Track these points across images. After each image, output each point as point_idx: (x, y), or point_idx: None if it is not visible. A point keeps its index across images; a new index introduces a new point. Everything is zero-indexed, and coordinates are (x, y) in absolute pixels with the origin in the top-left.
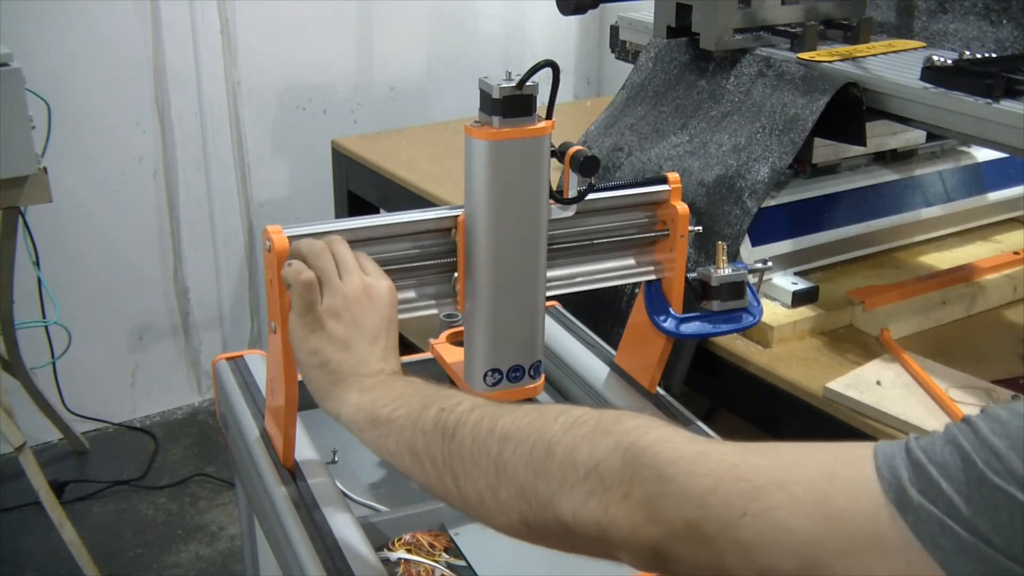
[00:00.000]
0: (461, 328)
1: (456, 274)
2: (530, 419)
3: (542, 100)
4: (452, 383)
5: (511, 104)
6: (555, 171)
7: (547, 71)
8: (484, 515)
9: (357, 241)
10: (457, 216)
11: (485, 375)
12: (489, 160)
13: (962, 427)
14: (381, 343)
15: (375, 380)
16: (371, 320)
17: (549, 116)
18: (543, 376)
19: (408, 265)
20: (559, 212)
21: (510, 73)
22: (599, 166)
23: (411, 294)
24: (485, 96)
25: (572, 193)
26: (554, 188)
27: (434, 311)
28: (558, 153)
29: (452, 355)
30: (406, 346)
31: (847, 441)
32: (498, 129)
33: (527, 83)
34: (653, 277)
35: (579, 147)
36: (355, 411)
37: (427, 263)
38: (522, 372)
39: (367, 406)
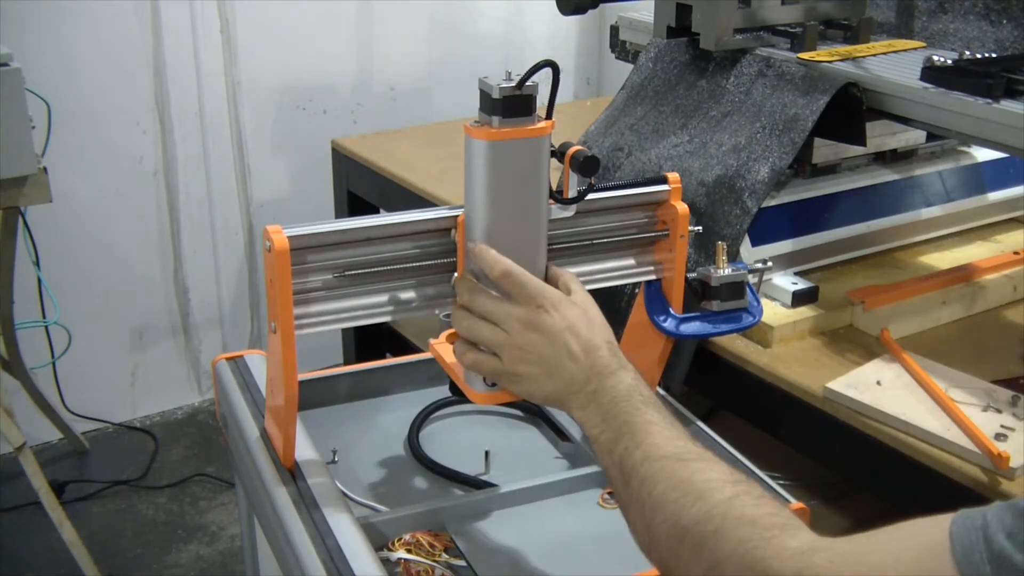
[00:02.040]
0: None
1: (456, 274)
2: (676, 494)
3: (542, 100)
4: (452, 383)
5: (511, 104)
6: (555, 171)
7: (546, 71)
8: (644, 553)
9: (357, 241)
10: (457, 216)
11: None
12: (489, 160)
13: None
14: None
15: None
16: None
17: (549, 116)
18: None
19: (408, 265)
20: (559, 212)
21: (510, 73)
22: (599, 166)
23: (411, 294)
24: (485, 96)
25: (572, 193)
26: (554, 188)
27: (434, 311)
28: (558, 153)
29: (452, 355)
30: (405, 346)
31: (916, 518)
32: (498, 129)
33: (527, 83)
34: (653, 277)
35: (579, 147)
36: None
37: (427, 263)
38: None
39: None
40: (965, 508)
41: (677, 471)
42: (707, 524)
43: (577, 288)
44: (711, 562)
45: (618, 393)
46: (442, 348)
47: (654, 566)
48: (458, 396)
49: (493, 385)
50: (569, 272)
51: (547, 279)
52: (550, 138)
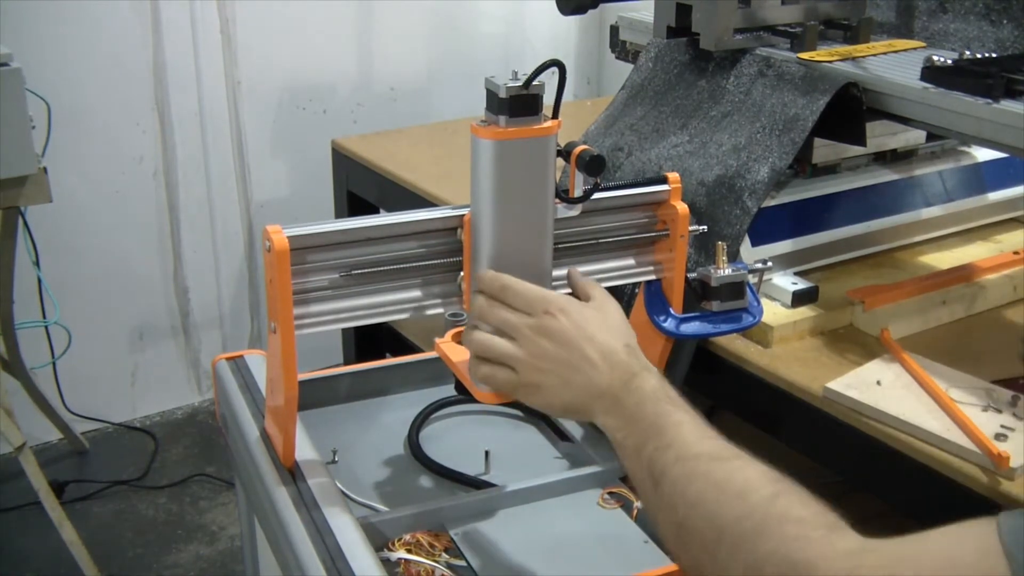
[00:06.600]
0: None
1: (462, 273)
2: (714, 493)
3: (547, 100)
4: (458, 382)
5: (518, 103)
6: (557, 171)
7: (551, 70)
8: (674, 556)
9: (358, 241)
10: (463, 215)
11: None
12: (495, 160)
13: None
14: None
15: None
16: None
17: (555, 115)
18: None
19: (414, 264)
20: (564, 211)
21: (516, 72)
22: (605, 165)
23: (416, 293)
24: (492, 95)
25: (577, 192)
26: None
27: (440, 310)
28: (563, 152)
29: (458, 354)
30: (405, 346)
31: (963, 520)
32: (504, 128)
33: (533, 82)
34: (653, 277)
35: (585, 146)
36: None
37: (433, 262)
38: None
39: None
40: (1006, 511)
41: (713, 470)
42: (747, 521)
43: (597, 293)
44: (750, 561)
45: (644, 395)
46: (448, 347)
47: (685, 570)
48: (464, 395)
49: None
50: (590, 280)
51: (569, 286)
52: (556, 137)
